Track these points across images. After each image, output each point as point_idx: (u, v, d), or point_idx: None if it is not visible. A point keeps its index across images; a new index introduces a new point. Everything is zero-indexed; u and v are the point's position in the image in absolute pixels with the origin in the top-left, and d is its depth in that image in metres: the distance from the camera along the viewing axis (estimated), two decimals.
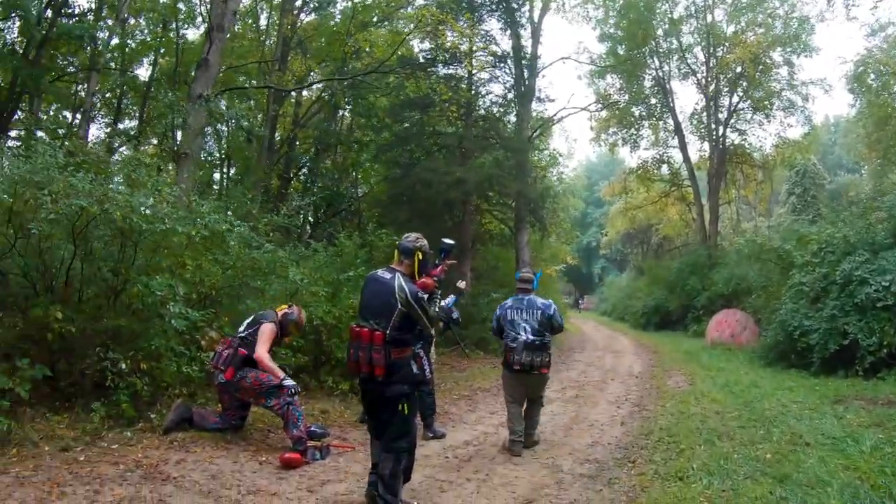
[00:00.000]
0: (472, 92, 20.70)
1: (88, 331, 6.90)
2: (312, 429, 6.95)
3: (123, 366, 6.62)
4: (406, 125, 19.84)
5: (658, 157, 34.00)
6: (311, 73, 23.11)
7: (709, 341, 20.22)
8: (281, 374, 6.74)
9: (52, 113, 21.72)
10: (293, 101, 23.67)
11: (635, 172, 34.81)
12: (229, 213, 8.85)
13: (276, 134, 22.95)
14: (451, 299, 7.75)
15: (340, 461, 6.56)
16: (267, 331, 6.84)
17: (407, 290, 4.79)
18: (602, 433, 8.26)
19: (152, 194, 7.79)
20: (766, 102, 29.98)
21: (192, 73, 13.36)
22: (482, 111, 21.53)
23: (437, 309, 5.11)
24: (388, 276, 4.93)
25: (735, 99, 30.82)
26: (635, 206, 37.57)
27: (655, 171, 34.40)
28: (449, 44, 17.81)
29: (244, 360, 6.76)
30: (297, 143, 23.78)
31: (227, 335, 7.95)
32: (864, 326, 12.14)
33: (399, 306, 4.77)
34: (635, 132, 33.38)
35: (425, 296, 4.91)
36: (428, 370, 7.81)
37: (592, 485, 5.99)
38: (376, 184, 23.38)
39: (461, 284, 7.37)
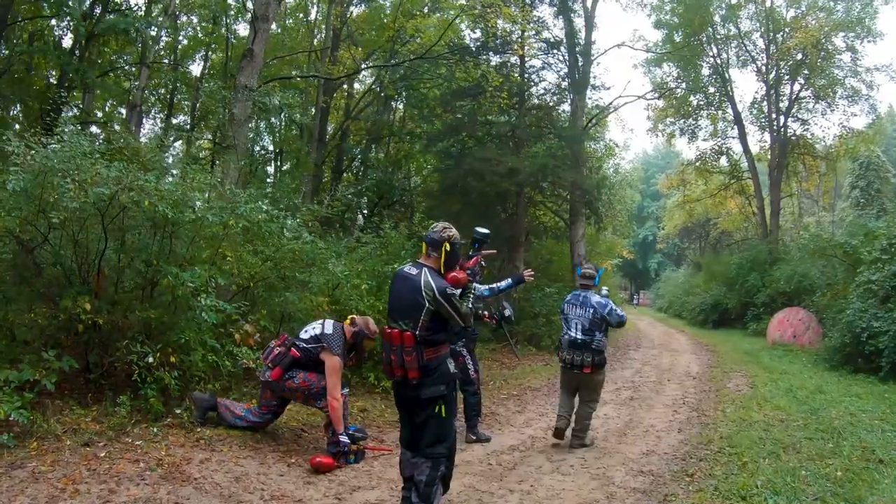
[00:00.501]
0: (525, 79, 20.29)
1: (120, 323, 6.79)
2: (351, 430, 6.67)
3: (151, 359, 6.46)
4: (458, 115, 19.50)
5: (717, 148, 32.88)
6: (362, 65, 22.99)
7: (769, 341, 19.57)
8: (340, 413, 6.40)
9: (107, 109, 22.12)
10: (345, 93, 23.64)
11: (693, 164, 33.87)
12: (266, 202, 8.54)
13: (329, 126, 23.07)
14: (506, 282, 7.50)
15: (375, 465, 6.35)
16: (335, 368, 6.44)
17: (434, 286, 4.46)
18: (658, 441, 7.87)
19: (181, 183, 7.63)
20: (828, 90, 28.75)
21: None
22: (535, 100, 21.15)
23: (471, 305, 4.69)
24: (414, 271, 4.63)
25: (796, 87, 29.64)
26: (693, 199, 36.51)
27: (714, 162, 33.35)
28: (499, 30, 17.47)
29: (294, 362, 6.55)
30: (350, 135, 23.78)
31: (263, 328, 8.03)
32: None
33: (427, 304, 4.46)
34: (693, 122, 32.33)
35: (456, 291, 4.55)
36: (473, 369, 7.68)
37: (647, 501, 5.64)
38: (428, 175, 23.14)
39: (528, 273, 6.96)
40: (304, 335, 6.71)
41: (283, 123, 23.63)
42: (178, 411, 6.64)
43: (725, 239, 41.13)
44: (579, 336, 7.23)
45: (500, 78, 16.81)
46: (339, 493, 5.55)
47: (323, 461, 5.97)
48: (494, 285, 7.07)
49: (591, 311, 7.24)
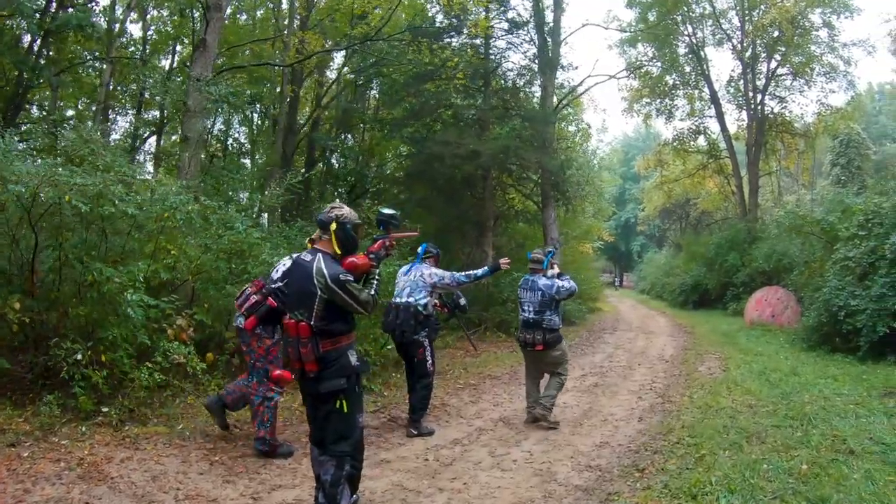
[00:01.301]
0: (490, 60, 19.51)
1: (56, 322, 6.78)
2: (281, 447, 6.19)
3: (80, 356, 6.24)
4: (422, 99, 18.75)
5: (694, 128, 32.55)
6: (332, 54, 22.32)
7: (748, 321, 19.12)
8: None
9: (80, 107, 21.51)
10: (317, 82, 23.00)
11: (671, 144, 33.51)
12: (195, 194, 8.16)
13: (300, 117, 22.59)
14: (483, 270, 7.63)
15: (303, 463, 5.78)
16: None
17: (326, 272, 4.13)
18: (614, 431, 7.32)
19: (105, 177, 7.12)
20: (805, 67, 28.50)
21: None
22: (502, 81, 20.38)
23: (374, 292, 4.34)
24: (308, 257, 4.30)
25: (773, 64, 29.35)
26: (671, 179, 36.07)
27: (692, 142, 33.04)
28: (460, 10, 16.77)
29: (271, 312, 5.99)
30: (321, 124, 23.22)
31: (200, 322, 7.77)
32: None
33: (319, 293, 4.15)
34: (669, 102, 32.04)
35: (351, 277, 4.20)
36: (430, 361, 7.44)
37: (587, 501, 5.09)
38: (394, 161, 22.42)
39: (504, 262, 7.29)
40: (275, 275, 5.97)
41: (254, 116, 23.04)
42: (105, 409, 6.41)
43: (705, 219, 40.68)
44: (531, 316, 7.59)
45: (455, 58, 16.08)
46: (258, 491, 5.19)
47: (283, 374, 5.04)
48: (472, 272, 7.56)
49: (540, 293, 7.60)
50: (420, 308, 7.23)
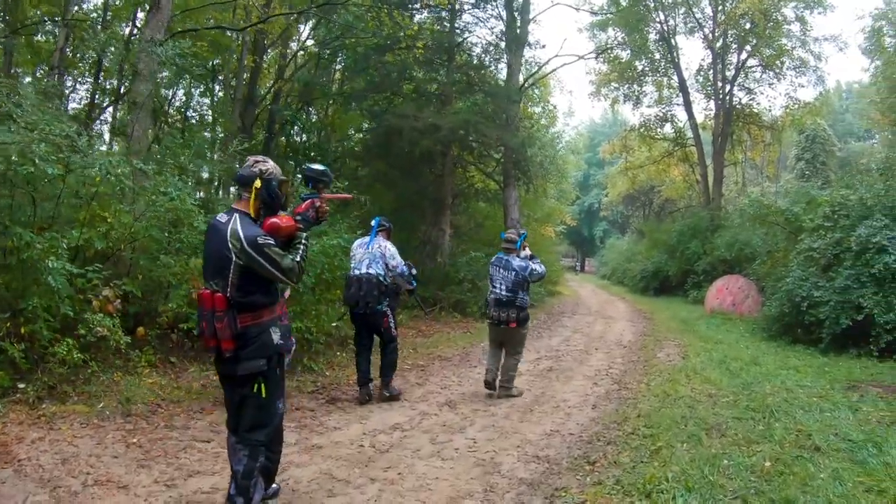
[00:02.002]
0: (456, 33, 18.85)
1: None
2: None
3: None
4: (383, 72, 18.02)
5: (661, 115, 32.38)
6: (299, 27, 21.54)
7: (708, 309, 18.88)
8: None
9: (39, 74, 20.50)
10: (280, 53, 22.29)
11: (637, 130, 33.27)
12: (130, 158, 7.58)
13: (263, 89, 21.86)
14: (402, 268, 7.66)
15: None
16: None
17: (242, 235, 3.66)
18: (566, 419, 6.86)
19: (26, 135, 6.61)
20: (776, 60, 28.39)
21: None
22: (466, 56, 19.64)
23: (299, 258, 3.89)
24: (224, 219, 3.83)
25: (743, 56, 29.24)
26: (636, 165, 35.86)
27: (658, 129, 32.83)
28: None
29: None
30: (283, 97, 22.32)
31: (129, 294, 7.30)
32: (882, 301, 10.94)
33: (234, 258, 3.69)
34: (638, 88, 31.83)
35: (270, 240, 3.73)
36: (393, 326, 7.68)
37: (530, 496, 4.62)
38: (355, 135, 21.70)
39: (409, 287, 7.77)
40: None
41: (216, 87, 22.19)
42: (21, 386, 5.99)
43: (669, 206, 40.64)
44: (504, 294, 7.87)
45: (415, 26, 15.37)
46: (173, 478, 4.75)
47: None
48: (412, 272, 7.90)
49: (514, 273, 7.89)
50: (381, 279, 7.36)
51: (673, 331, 15.25)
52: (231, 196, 12.71)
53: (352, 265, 7.56)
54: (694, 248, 25.68)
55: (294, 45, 22.67)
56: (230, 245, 3.67)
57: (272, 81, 22.51)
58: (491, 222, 21.41)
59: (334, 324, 9.36)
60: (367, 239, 7.69)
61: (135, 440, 5.43)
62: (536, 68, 22.70)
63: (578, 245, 67.67)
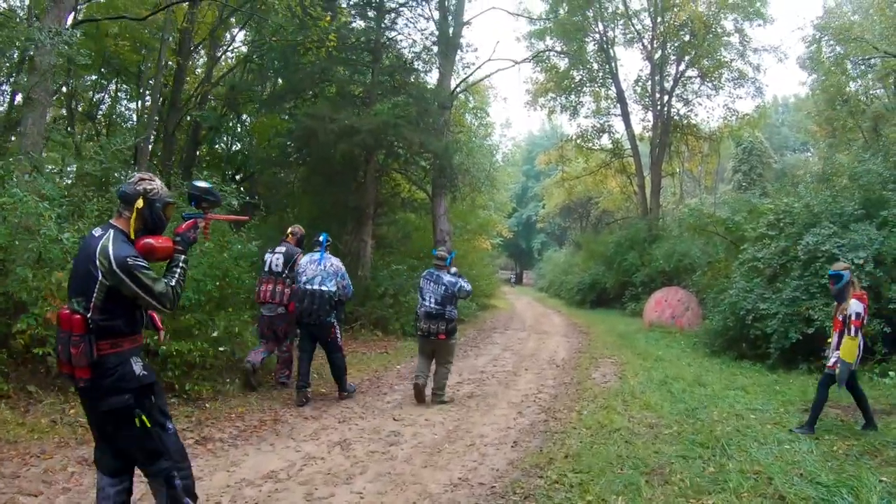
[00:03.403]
0: (382, 32, 17.49)
1: None
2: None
3: None
4: (305, 72, 16.67)
5: (599, 126, 31.84)
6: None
7: (647, 323, 18.00)
8: None
9: None
10: (209, 56, 21.14)
11: (573, 141, 32.57)
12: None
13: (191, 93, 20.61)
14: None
15: None
16: None
17: (112, 254, 3.33)
18: (480, 461, 5.65)
19: None
20: (715, 72, 28.28)
21: None
22: (394, 57, 18.26)
23: (174, 283, 3.55)
24: (98, 233, 3.49)
25: (682, 67, 28.98)
26: (573, 176, 35.34)
27: (596, 140, 32.26)
28: None
29: None
30: (210, 102, 21.11)
31: None
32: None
33: (100, 277, 3.33)
34: (575, 99, 31.23)
35: (141, 262, 3.40)
36: (339, 336, 8.28)
37: None
38: (268, 141, 20.14)
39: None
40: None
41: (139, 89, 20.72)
42: None
43: (606, 218, 40.24)
44: (434, 307, 8.17)
45: (327, 16, 13.97)
46: None
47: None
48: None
49: (444, 287, 8.22)
50: (332, 294, 7.98)
51: (610, 346, 14.26)
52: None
53: (302, 280, 8.02)
54: (631, 260, 24.97)
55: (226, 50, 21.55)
56: (98, 262, 3.32)
57: (197, 85, 21.18)
58: (420, 234, 20.20)
59: (221, 348, 8.03)
60: (316, 255, 8.19)
61: None
62: (469, 73, 21.63)
63: (517, 257, 67.21)
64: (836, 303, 6.93)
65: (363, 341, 13.43)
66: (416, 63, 18.58)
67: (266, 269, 8.58)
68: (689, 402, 7.74)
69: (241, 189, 16.30)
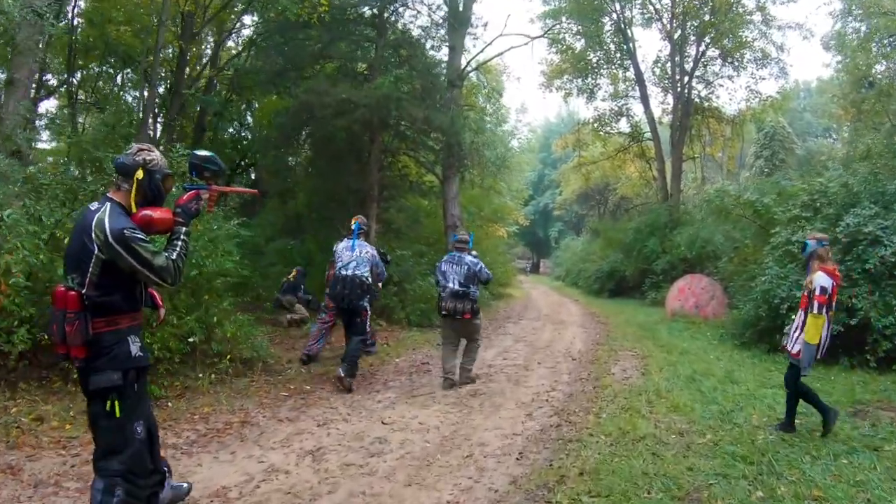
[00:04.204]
0: (387, 6, 16.37)
1: None
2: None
3: None
4: (305, 47, 15.74)
5: (616, 109, 30.66)
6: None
7: (669, 312, 16.91)
8: None
9: None
10: (216, 42, 20.96)
11: (591, 125, 31.45)
12: None
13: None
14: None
15: None
16: None
17: (108, 226, 3.18)
18: (477, 478, 4.72)
19: None
20: (736, 52, 26.98)
21: None
22: (400, 32, 17.12)
23: (175, 256, 3.39)
24: (94, 207, 3.37)
25: (702, 47, 27.67)
26: (590, 161, 34.25)
27: (613, 124, 31.05)
28: None
29: None
30: (216, 87, 20.83)
31: None
32: (879, 301, 9.08)
33: (96, 251, 3.20)
34: (592, 81, 30.06)
35: (139, 234, 3.25)
36: (368, 321, 8.65)
37: None
38: (269, 122, 19.23)
39: None
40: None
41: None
42: None
43: (625, 204, 39.14)
44: (458, 288, 8.22)
45: None
46: None
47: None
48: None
49: (466, 267, 8.32)
50: (365, 279, 8.26)
51: (630, 337, 13.28)
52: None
53: (337, 266, 8.41)
54: (652, 247, 23.83)
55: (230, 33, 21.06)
56: (94, 236, 3.23)
57: (200, 69, 20.92)
58: (429, 220, 19.23)
59: (191, 339, 7.16)
60: (349, 242, 8.55)
61: None
62: (480, 50, 20.61)
63: (534, 246, 66.28)
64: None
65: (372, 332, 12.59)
66: (425, 41, 17.60)
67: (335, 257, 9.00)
68: (723, 404, 6.79)
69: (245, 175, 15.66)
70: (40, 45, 10.82)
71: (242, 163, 20.09)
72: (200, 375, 7.30)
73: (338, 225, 14.39)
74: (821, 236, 5.97)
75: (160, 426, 5.64)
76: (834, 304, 5.74)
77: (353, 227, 8.66)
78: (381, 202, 16.04)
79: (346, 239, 8.72)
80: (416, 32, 17.59)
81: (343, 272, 8.20)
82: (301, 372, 8.40)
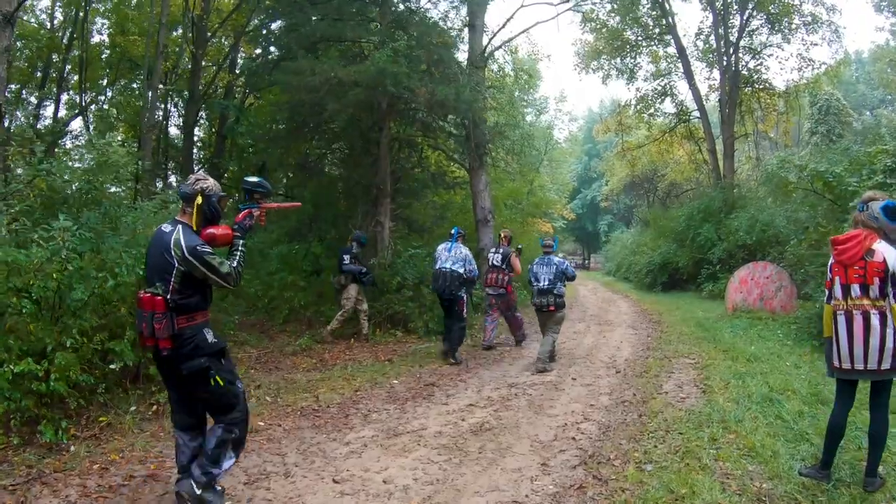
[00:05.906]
0: None
1: None
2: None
3: None
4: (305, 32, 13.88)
5: (659, 88, 28.74)
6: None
7: (730, 307, 14.85)
8: None
9: None
10: (232, 45, 20.40)
11: (633, 106, 29.56)
12: None
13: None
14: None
15: None
16: None
17: (184, 244, 3.90)
18: None
19: None
20: (783, 18, 24.84)
21: None
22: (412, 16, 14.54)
23: (235, 264, 4.12)
24: (168, 228, 4.06)
25: (747, 15, 25.56)
26: (635, 145, 32.19)
27: (658, 105, 29.20)
28: None
29: None
30: (233, 92, 20.61)
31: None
32: None
33: (176, 265, 3.92)
34: (631, 61, 28.31)
35: (208, 249, 3.97)
36: (465, 310, 10.31)
37: None
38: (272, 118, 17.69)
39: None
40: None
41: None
42: None
43: (675, 190, 36.95)
44: (546, 285, 9.44)
45: None
46: None
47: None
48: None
49: (554, 267, 9.52)
50: (459, 274, 9.76)
51: (687, 340, 11.37)
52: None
53: (437, 264, 9.94)
54: (706, 234, 21.79)
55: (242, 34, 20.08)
56: (173, 252, 3.89)
57: (224, 78, 20.74)
58: (456, 215, 17.38)
59: (112, 366, 5.59)
60: (447, 244, 10.10)
61: None
62: (502, 24, 18.86)
63: (584, 241, 64.50)
64: None
65: (374, 343, 10.91)
66: (441, 23, 15.68)
67: (489, 263, 11.12)
68: (817, 442, 4.88)
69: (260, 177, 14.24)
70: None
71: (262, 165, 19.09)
72: (133, 409, 5.71)
73: (351, 226, 12.83)
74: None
75: (35, 481, 4.16)
76: None
77: (451, 231, 10.37)
78: (395, 197, 14.19)
79: (446, 241, 10.25)
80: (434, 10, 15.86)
81: (442, 268, 9.75)
82: (266, 401, 6.64)
